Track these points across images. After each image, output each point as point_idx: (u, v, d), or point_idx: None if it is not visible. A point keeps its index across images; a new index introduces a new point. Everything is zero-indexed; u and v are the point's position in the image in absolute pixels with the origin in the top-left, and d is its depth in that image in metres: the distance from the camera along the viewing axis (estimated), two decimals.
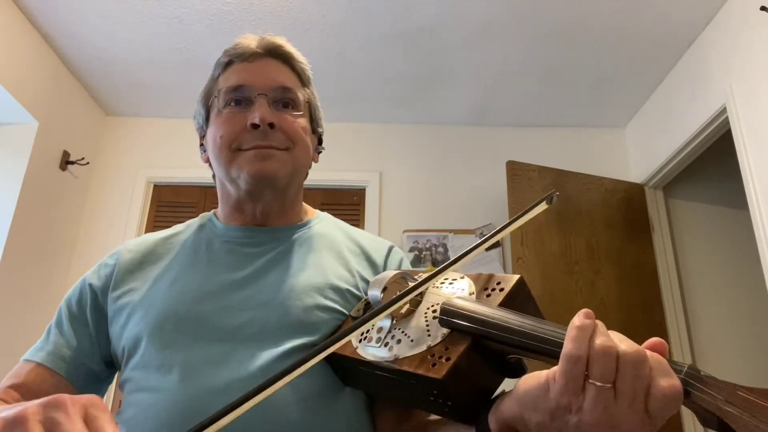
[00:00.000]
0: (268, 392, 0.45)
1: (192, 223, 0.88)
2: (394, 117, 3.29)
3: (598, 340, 0.42)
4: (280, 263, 0.78)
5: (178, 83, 3.02)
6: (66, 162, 2.92)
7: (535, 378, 0.47)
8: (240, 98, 0.80)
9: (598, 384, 0.41)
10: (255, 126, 0.76)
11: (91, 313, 0.78)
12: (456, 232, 3.12)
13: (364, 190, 3.22)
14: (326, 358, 0.70)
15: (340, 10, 2.46)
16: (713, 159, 2.92)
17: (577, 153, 3.30)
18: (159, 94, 3.13)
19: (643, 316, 2.85)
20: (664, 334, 2.85)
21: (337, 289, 0.76)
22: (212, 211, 0.90)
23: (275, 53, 0.83)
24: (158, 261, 0.80)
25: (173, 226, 0.89)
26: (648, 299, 2.90)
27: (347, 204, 3.16)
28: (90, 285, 0.80)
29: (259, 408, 0.63)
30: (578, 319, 0.44)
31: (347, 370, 0.69)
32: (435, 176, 3.28)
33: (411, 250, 3.08)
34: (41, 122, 2.69)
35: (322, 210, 0.95)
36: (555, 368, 0.44)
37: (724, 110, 2.38)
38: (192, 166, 3.26)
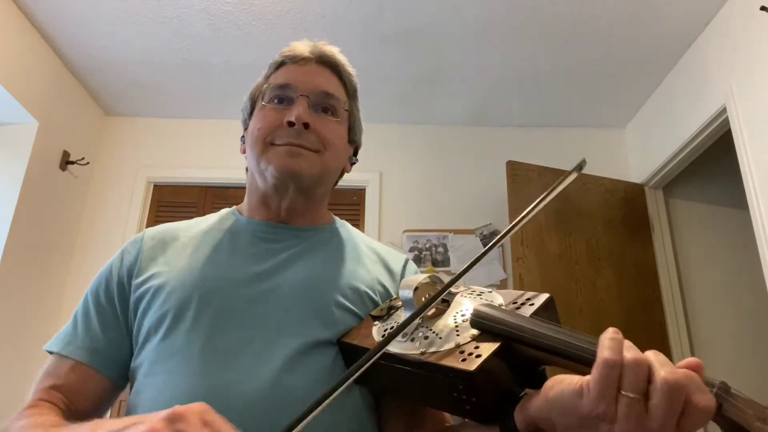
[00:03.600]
0: (334, 395, 0.49)
1: (210, 216, 0.90)
2: (394, 117, 3.29)
3: (629, 353, 0.43)
4: (302, 260, 0.80)
5: (178, 83, 3.02)
6: (66, 162, 2.92)
7: (567, 382, 0.47)
8: (283, 96, 0.83)
9: (630, 395, 0.42)
10: (291, 124, 0.79)
11: (119, 303, 0.78)
12: (456, 232, 3.12)
13: (364, 190, 3.22)
14: (342, 353, 0.71)
15: (340, 10, 2.46)
16: (713, 159, 2.92)
17: (577, 153, 3.30)
18: (159, 94, 3.13)
19: (643, 316, 2.85)
20: (664, 334, 2.85)
21: (355, 290, 0.78)
22: (233, 207, 0.92)
23: (325, 60, 0.87)
24: (182, 247, 0.81)
25: (192, 219, 0.91)
26: (648, 299, 2.90)
27: (347, 204, 3.16)
28: (115, 274, 0.80)
29: (264, 403, 0.64)
30: (609, 332, 0.46)
31: None
32: (435, 176, 3.28)
33: (411, 250, 3.08)
34: (41, 122, 2.69)
35: None
36: (589, 376, 0.45)
37: (724, 110, 2.38)
38: (192, 166, 3.27)
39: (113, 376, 0.75)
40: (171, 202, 3.24)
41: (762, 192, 2.14)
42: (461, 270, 0.59)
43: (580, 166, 0.61)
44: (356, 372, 0.49)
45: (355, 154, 0.95)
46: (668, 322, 2.89)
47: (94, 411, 0.75)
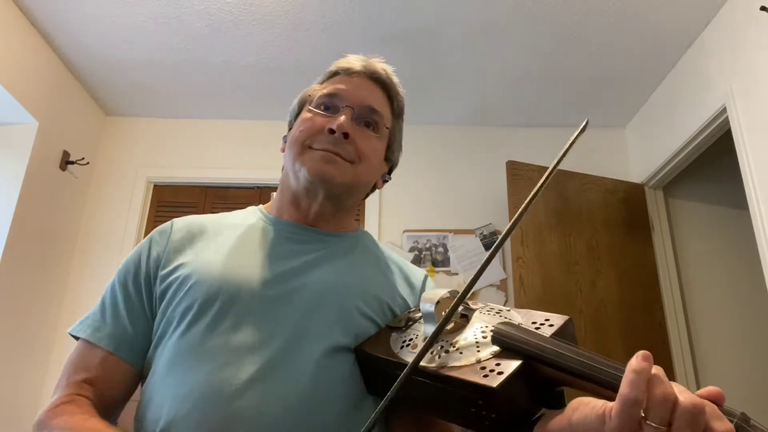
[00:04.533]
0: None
1: (237, 213, 0.91)
2: None
3: (659, 389, 0.43)
4: (326, 264, 0.81)
5: (178, 83, 3.02)
6: (66, 162, 2.92)
7: (591, 406, 0.48)
8: (330, 104, 0.85)
9: (654, 425, 0.43)
10: (331, 131, 0.80)
11: (146, 293, 0.78)
12: (456, 232, 3.12)
13: None
14: (359, 361, 0.72)
15: (340, 10, 2.46)
16: (713, 159, 2.92)
17: (577, 153, 3.29)
18: (159, 94, 3.13)
19: (643, 316, 2.84)
20: (664, 334, 2.85)
21: (376, 299, 0.79)
22: (260, 206, 0.93)
23: (376, 77, 0.89)
24: (209, 240, 0.82)
25: (219, 213, 0.92)
26: (648, 299, 2.90)
27: None
28: (143, 264, 0.80)
29: (283, 410, 0.64)
30: (636, 361, 0.45)
31: (381, 375, 0.69)
32: (435, 176, 3.28)
33: (411, 250, 3.08)
34: (41, 122, 2.69)
35: None
36: (612, 403, 0.45)
37: (724, 110, 2.38)
38: (192, 166, 3.27)
39: (139, 365, 0.76)
40: (171, 202, 3.24)
41: (762, 192, 2.14)
42: (486, 259, 0.56)
43: (584, 128, 0.59)
44: (397, 388, 0.49)
45: (390, 172, 0.97)
46: (668, 322, 2.89)
47: (122, 399, 0.76)
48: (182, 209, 3.19)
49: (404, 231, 3.13)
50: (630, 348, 2.82)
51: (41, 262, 2.78)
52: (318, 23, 2.54)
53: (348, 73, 0.88)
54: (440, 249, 3.09)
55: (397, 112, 0.93)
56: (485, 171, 3.26)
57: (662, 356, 2.74)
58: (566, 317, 0.62)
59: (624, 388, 0.44)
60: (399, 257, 0.95)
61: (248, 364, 0.67)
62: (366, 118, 0.85)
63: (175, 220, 0.87)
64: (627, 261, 2.94)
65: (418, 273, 0.92)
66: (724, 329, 2.96)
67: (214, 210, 3.16)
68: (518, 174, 2.92)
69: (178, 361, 0.70)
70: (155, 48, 2.73)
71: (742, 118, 2.26)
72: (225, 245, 0.80)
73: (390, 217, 3.17)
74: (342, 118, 0.81)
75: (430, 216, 3.17)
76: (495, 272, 3.02)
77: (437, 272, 3.02)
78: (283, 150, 0.90)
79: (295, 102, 0.92)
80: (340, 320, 0.74)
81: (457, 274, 3.03)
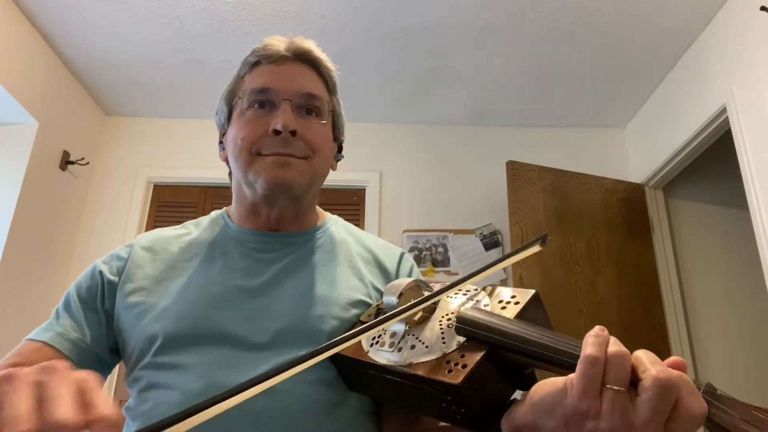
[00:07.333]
0: (271, 382, 0.44)
1: (202, 222, 0.88)
2: (394, 117, 3.29)
3: (612, 347, 0.44)
4: (295, 272, 0.78)
5: (178, 83, 3.02)
6: (66, 162, 2.92)
7: (551, 384, 0.47)
8: (264, 101, 0.78)
9: (615, 388, 0.42)
10: (277, 132, 0.75)
11: (101, 302, 0.77)
12: (456, 232, 3.12)
13: (364, 190, 3.21)
14: (334, 362, 0.70)
15: (340, 10, 2.46)
16: (713, 159, 2.92)
17: (577, 153, 3.30)
18: (159, 94, 3.13)
19: (643, 316, 2.84)
20: (664, 334, 2.85)
21: (352, 301, 0.77)
22: (224, 209, 0.89)
23: (303, 58, 0.82)
24: (171, 260, 0.79)
25: (184, 224, 0.88)
26: (648, 299, 2.90)
27: (347, 204, 3.16)
28: (101, 274, 0.78)
29: (263, 413, 0.63)
30: (594, 331, 0.46)
31: (355, 374, 0.68)
32: (435, 176, 3.28)
33: (411, 250, 3.08)
34: (41, 122, 2.69)
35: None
36: (572, 375, 0.45)
37: (724, 110, 2.38)
38: (192, 166, 3.27)
39: (83, 365, 0.73)
40: (171, 202, 3.24)
41: (762, 192, 2.14)
42: (434, 292, 0.59)
43: (543, 239, 0.61)
44: (299, 363, 0.46)
45: (340, 150, 0.91)
46: (668, 322, 2.89)
47: None
48: (182, 209, 3.19)
49: (404, 231, 3.13)
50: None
51: (41, 262, 2.78)
52: (318, 23, 2.54)
53: (273, 60, 0.80)
54: (440, 249, 3.09)
55: (332, 88, 0.86)
56: (485, 171, 3.26)
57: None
58: (532, 292, 0.61)
59: (585, 349, 0.44)
60: (372, 239, 0.90)
61: (224, 378, 0.66)
62: (306, 106, 0.80)
63: (139, 236, 0.84)
64: (627, 261, 2.94)
65: (392, 255, 0.87)
66: (724, 329, 2.96)
67: (214, 210, 3.15)
68: (518, 174, 2.93)
69: (154, 380, 0.69)
70: (155, 48, 2.73)
71: (742, 117, 2.26)
72: (190, 265, 0.78)
73: (390, 217, 3.17)
74: (284, 115, 0.76)
75: (430, 216, 3.17)
76: (495, 272, 3.02)
77: (437, 272, 3.02)
78: (224, 159, 0.85)
79: (222, 103, 0.85)
80: (314, 331, 0.72)
81: (457, 274, 3.03)
